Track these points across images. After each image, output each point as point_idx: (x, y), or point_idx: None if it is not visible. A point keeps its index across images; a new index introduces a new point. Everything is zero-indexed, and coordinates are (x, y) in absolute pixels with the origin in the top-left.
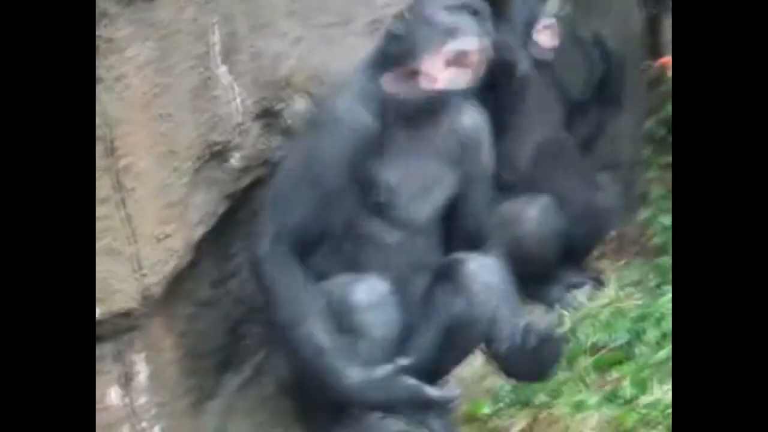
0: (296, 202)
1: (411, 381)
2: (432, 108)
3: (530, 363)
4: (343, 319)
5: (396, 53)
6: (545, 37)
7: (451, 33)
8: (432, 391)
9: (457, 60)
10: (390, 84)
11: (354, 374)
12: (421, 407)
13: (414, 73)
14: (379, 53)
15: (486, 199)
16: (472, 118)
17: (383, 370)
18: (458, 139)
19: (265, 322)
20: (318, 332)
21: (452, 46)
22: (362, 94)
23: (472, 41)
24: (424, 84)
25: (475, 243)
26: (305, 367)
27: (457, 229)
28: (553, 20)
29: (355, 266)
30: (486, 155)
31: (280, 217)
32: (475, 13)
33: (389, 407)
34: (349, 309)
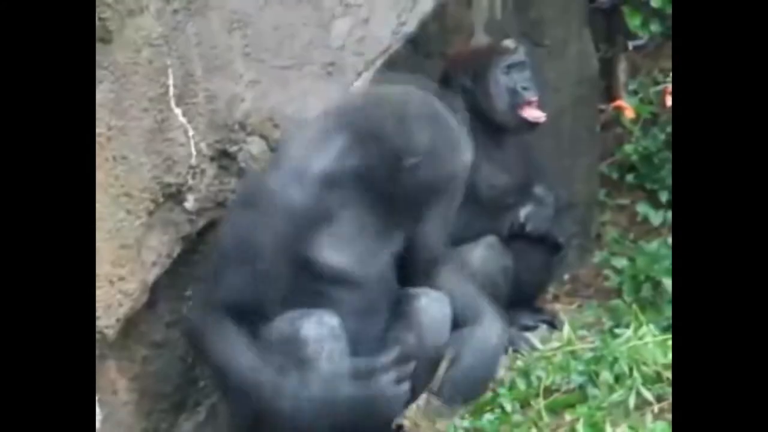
0: (232, 279)
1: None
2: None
3: None
4: (293, 355)
5: None
6: (531, 111)
7: None
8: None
9: None
10: None
11: (291, 381)
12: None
13: None
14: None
15: (441, 237)
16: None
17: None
18: (407, 192)
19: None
20: (249, 364)
21: None
22: (295, 170)
23: None
24: None
25: (431, 278)
26: (244, 399)
27: (413, 267)
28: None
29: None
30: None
31: (215, 290)
32: None
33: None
34: (299, 343)
